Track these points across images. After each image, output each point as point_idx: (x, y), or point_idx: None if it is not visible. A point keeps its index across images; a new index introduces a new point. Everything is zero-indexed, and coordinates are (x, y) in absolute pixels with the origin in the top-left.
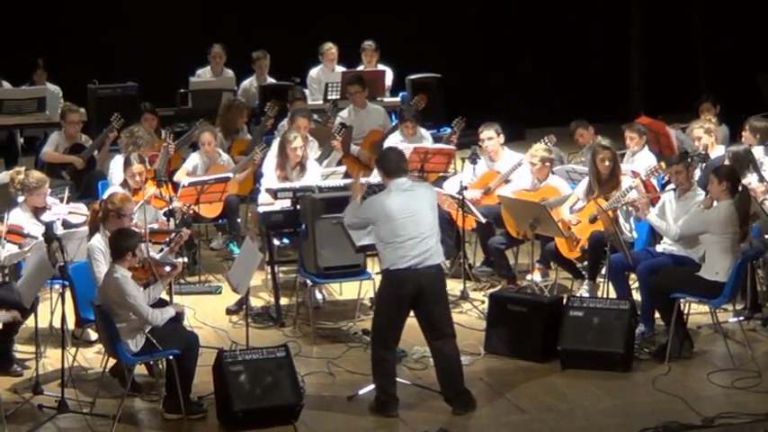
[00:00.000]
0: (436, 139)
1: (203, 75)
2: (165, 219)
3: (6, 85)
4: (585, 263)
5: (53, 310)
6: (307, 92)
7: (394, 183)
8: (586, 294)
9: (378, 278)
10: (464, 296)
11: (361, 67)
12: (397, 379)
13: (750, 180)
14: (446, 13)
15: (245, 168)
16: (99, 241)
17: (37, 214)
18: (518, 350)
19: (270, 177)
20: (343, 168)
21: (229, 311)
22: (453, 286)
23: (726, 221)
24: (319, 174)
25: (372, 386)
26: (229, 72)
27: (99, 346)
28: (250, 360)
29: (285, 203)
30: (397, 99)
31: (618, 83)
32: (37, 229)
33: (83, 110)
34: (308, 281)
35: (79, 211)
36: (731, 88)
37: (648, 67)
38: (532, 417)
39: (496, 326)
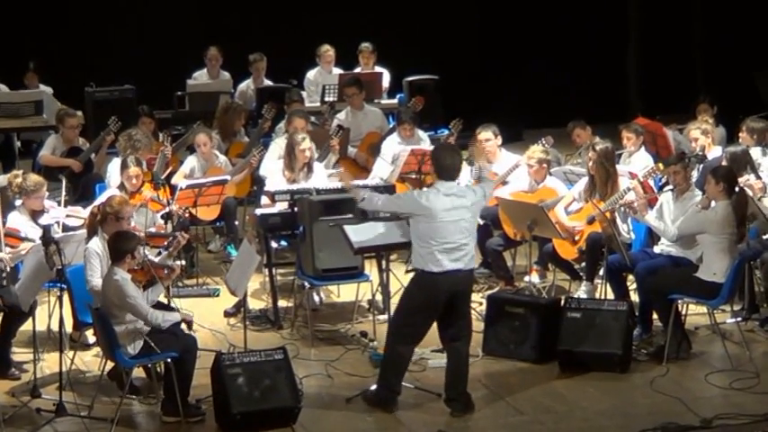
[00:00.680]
0: (434, 141)
1: (200, 77)
2: (162, 222)
3: (3, 88)
4: (583, 264)
5: (51, 313)
6: (304, 94)
7: (442, 184)
8: (584, 296)
9: (375, 280)
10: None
11: (358, 70)
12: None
13: (747, 177)
14: (443, 15)
15: (242, 171)
16: (97, 244)
17: (35, 217)
18: (516, 352)
19: (277, 179)
20: (340, 170)
21: (227, 314)
22: None
23: (723, 222)
24: (325, 175)
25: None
26: (226, 74)
27: (97, 350)
28: (248, 363)
29: (283, 206)
30: (395, 101)
31: (615, 84)
32: (35, 233)
33: (80, 113)
34: (306, 283)
35: (77, 215)
36: (728, 89)
37: (646, 68)
38: (531, 418)
39: (494, 327)
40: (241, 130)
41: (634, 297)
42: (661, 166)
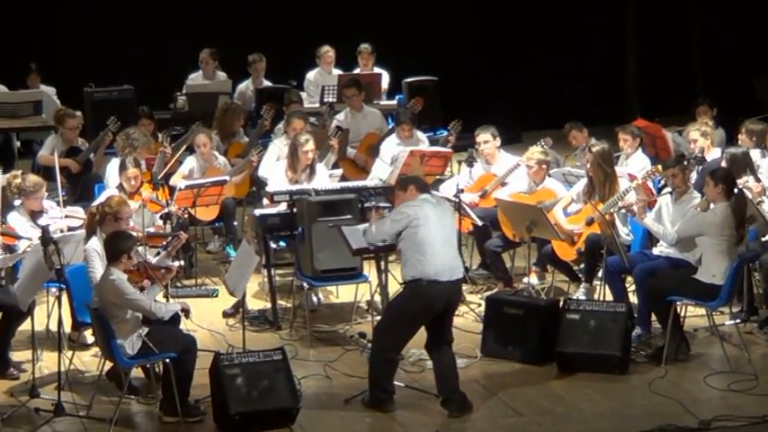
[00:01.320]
0: (433, 142)
1: (195, 79)
2: (161, 222)
3: (2, 88)
4: (582, 266)
5: (50, 313)
6: (303, 95)
7: (424, 196)
8: (583, 297)
9: (374, 281)
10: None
11: (357, 71)
12: (394, 382)
13: (746, 179)
14: (442, 17)
15: (241, 171)
16: (96, 244)
17: (34, 218)
18: (514, 353)
19: (280, 179)
20: (339, 171)
21: (226, 314)
22: None
23: (722, 224)
24: (327, 176)
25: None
26: (222, 75)
27: (95, 350)
28: (247, 363)
29: (283, 206)
30: (394, 102)
31: (614, 85)
32: (34, 233)
33: (79, 113)
34: (305, 284)
35: (76, 215)
36: (728, 91)
37: (645, 69)
38: (529, 420)
39: (493, 329)
40: (240, 130)
41: (633, 299)
42: (660, 167)
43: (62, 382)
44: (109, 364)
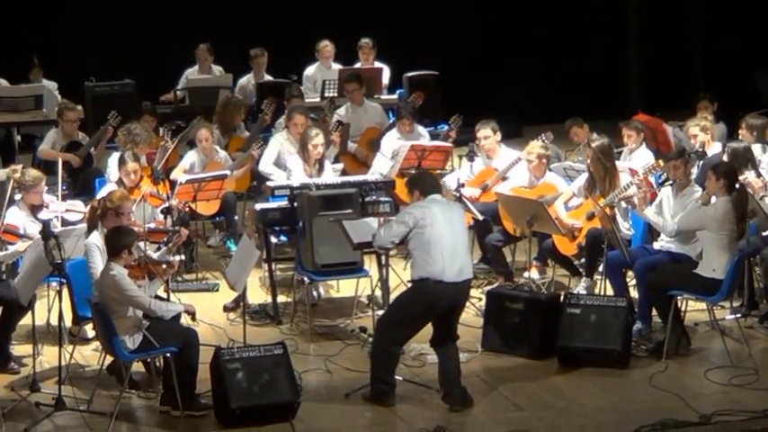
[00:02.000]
0: (433, 137)
1: (192, 74)
2: (161, 217)
3: (3, 82)
4: (583, 260)
5: (50, 307)
6: (304, 89)
7: (431, 197)
8: (584, 292)
9: (375, 275)
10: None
11: (358, 65)
12: (395, 376)
13: (747, 175)
14: (443, 11)
15: (242, 165)
16: (97, 239)
17: (34, 212)
18: (515, 347)
19: (299, 174)
20: (340, 166)
21: (226, 309)
22: None
23: (723, 219)
24: (332, 171)
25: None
26: (218, 69)
27: (96, 344)
28: (247, 357)
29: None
30: (395, 96)
31: (615, 80)
32: (34, 228)
33: (80, 107)
34: (306, 278)
35: (76, 209)
36: (729, 86)
37: (646, 64)
38: (530, 414)
39: (494, 323)
40: (241, 124)
41: (633, 293)
42: (661, 162)
43: (63, 376)
44: (109, 359)
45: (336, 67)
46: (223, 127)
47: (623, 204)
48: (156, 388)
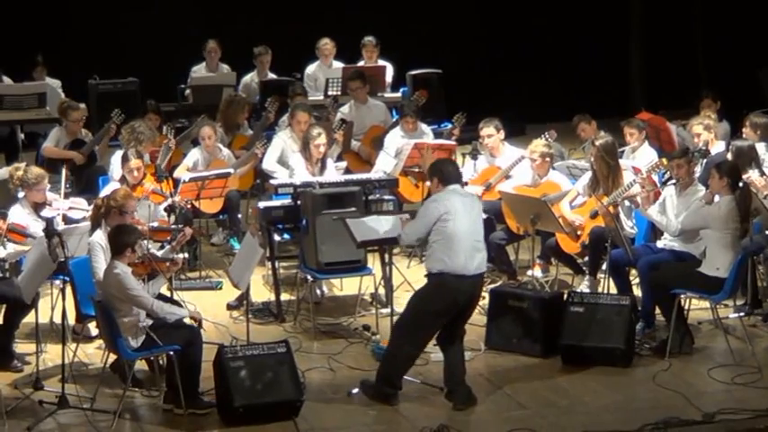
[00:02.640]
0: (437, 135)
1: (199, 71)
2: (165, 215)
3: (7, 80)
4: (586, 258)
5: (54, 305)
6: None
7: (452, 187)
8: (587, 290)
9: (378, 274)
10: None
11: (361, 63)
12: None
13: (750, 174)
14: (447, 9)
15: (245, 164)
16: (100, 237)
17: (37, 210)
18: (519, 346)
19: (302, 173)
20: (344, 164)
21: (230, 307)
22: None
23: (726, 217)
24: (334, 170)
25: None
26: (225, 67)
27: (99, 342)
28: (251, 356)
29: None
30: (398, 95)
31: (618, 78)
32: (37, 226)
33: (83, 105)
34: (309, 276)
35: (80, 207)
36: (732, 84)
37: (649, 62)
38: (533, 412)
39: (497, 321)
40: (244, 123)
41: (637, 292)
42: (664, 160)
43: (66, 374)
44: (113, 357)
45: (337, 64)
46: (227, 125)
47: (627, 203)
48: (159, 386)
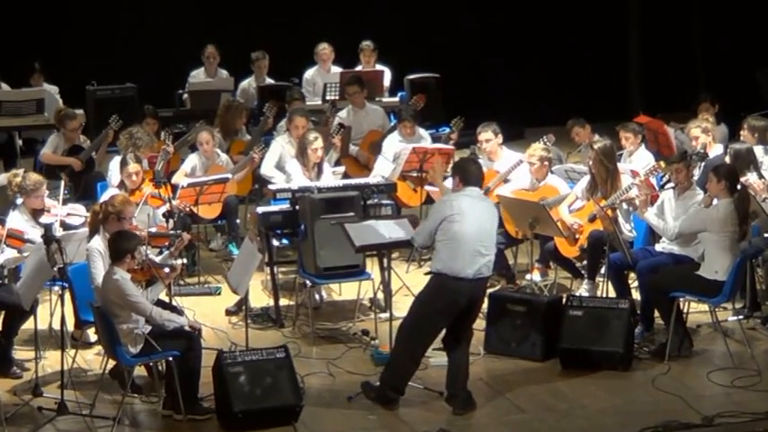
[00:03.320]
0: (435, 139)
1: (197, 76)
2: (163, 221)
3: (5, 86)
4: (585, 262)
5: (52, 311)
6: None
7: (470, 189)
8: (586, 294)
9: (377, 278)
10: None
11: (359, 68)
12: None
13: (748, 177)
14: (444, 13)
15: (243, 169)
16: (98, 243)
17: (35, 216)
18: (518, 350)
19: (299, 178)
20: (342, 169)
21: (229, 312)
22: None
23: (725, 220)
24: (331, 174)
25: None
26: (224, 72)
27: (98, 348)
28: (250, 361)
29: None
30: (396, 99)
31: (617, 82)
32: (36, 232)
33: (81, 112)
34: (308, 281)
35: (78, 213)
36: (730, 87)
37: (647, 66)
38: (532, 416)
39: (496, 325)
40: (242, 128)
41: (636, 295)
42: (663, 164)
43: (65, 380)
44: (112, 363)
45: (335, 69)
46: (225, 130)
47: (625, 206)
48: (158, 392)
